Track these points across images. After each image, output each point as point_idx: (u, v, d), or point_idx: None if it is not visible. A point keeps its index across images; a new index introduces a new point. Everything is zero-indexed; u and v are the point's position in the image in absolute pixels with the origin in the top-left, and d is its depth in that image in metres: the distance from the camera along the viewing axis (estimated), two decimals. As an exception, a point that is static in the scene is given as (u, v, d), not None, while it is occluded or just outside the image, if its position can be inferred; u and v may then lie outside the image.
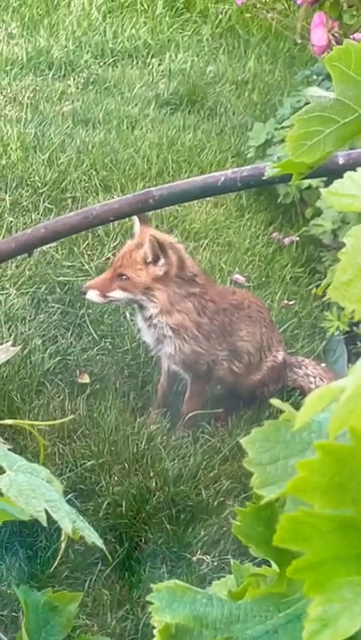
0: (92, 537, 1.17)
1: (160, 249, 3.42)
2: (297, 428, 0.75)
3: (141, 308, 3.56)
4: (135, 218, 3.54)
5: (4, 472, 1.14)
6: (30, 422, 1.36)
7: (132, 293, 3.50)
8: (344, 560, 0.70)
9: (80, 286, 3.64)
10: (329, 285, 0.88)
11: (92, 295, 3.54)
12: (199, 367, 3.65)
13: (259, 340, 3.78)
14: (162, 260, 3.45)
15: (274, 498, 0.81)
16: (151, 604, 0.87)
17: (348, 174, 0.90)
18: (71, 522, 1.14)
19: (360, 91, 1.09)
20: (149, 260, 3.45)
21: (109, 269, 3.56)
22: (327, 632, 0.68)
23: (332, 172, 1.54)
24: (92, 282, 3.59)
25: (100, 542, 1.16)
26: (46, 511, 1.12)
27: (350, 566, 0.70)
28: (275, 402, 0.87)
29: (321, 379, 3.87)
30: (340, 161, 1.65)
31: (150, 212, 4.06)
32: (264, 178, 1.67)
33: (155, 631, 0.88)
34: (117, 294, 3.51)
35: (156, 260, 3.45)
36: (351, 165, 1.59)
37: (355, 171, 0.93)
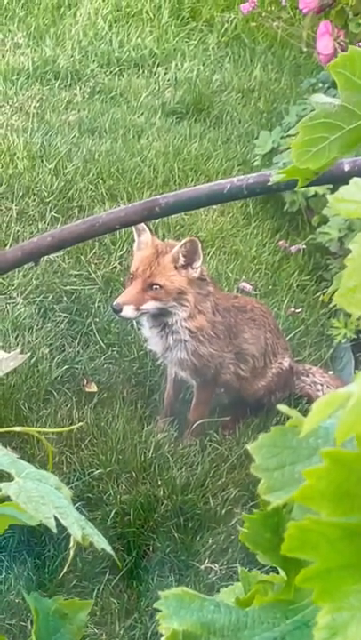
0: (102, 543, 1.17)
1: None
2: (304, 434, 0.75)
3: (164, 316, 3.52)
4: (145, 227, 3.52)
5: (13, 479, 1.14)
6: (38, 429, 1.36)
7: (163, 302, 3.47)
8: (352, 568, 0.70)
9: (113, 304, 3.51)
10: (335, 292, 0.88)
11: (128, 311, 3.44)
12: (207, 371, 3.65)
13: (263, 344, 3.78)
14: (199, 261, 3.45)
15: (281, 504, 0.81)
16: (159, 611, 0.87)
17: (353, 180, 0.90)
18: (80, 528, 1.13)
19: (365, 97, 1.09)
20: (180, 263, 3.44)
21: (136, 281, 3.46)
22: (336, 640, 0.68)
23: (337, 179, 1.54)
24: (125, 297, 3.46)
25: (109, 548, 1.16)
26: (55, 518, 1.12)
27: (359, 574, 0.70)
28: (282, 408, 0.87)
29: (328, 386, 3.87)
30: (346, 167, 1.65)
31: (157, 221, 4.07)
32: (269, 184, 1.67)
33: (162, 639, 0.88)
34: (150, 305, 3.46)
35: (189, 263, 3.45)
36: (357, 172, 1.59)
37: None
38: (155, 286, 3.43)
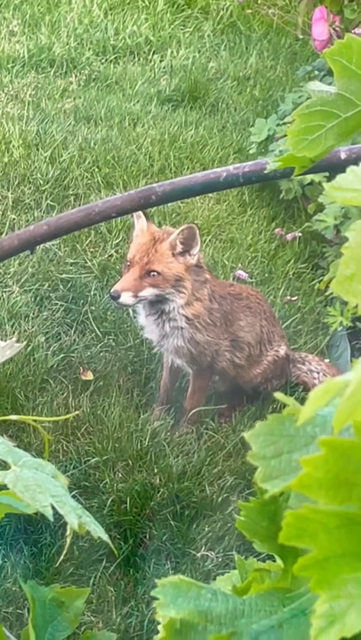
0: (98, 531, 1.17)
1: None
2: (301, 423, 0.75)
3: (160, 303, 3.52)
4: (142, 215, 3.52)
5: (10, 468, 1.14)
6: (34, 418, 1.36)
7: (161, 289, 3.46)
8: (350, 556, 0.70)
9: (110, 291, 3.51)
10: (332, 280, 0.87)
11: (126, 297, 3.43)
12: (204, 359, 3.64)
13: (259, 331, 3.78)
14: (196, 249, 3.44)
15: (278, 492, 0.81)
16: (156, 599, 0.87)
17: (350, 168, 0.90)
18: (77, 516, 1.13)
19: (362, 85, 1.09)
20: (178, 250, 3.44)
21: (134, 268, 3.45)
22: (335, 628, 0.68)
23: (334, 167, 1.54)
24: (122, 284, 3.44)
25: (105, 537, 1.16)
26: (52, 506, 1.12)
27: (357, 562, 0.70)
28: (278, 396, 0.87)
29: (324, 374, 3.87)
30: (343, 156, 1.65)
31: (153, 209, 4.06)
32: (266, 172, 1.67)
33: (159, 626, 0.88)
34: (147, 292, 3.46)
35: (186, 250, 3.44)
36: (354, 160, 1.59)
37: (357, 165, 0.93)
38: (152, 273, 3.43)
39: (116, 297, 3.43)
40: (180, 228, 3.43)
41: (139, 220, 3.53)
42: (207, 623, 0.86)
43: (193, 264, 3.47)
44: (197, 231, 3.42)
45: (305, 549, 0.72)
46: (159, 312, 3.55)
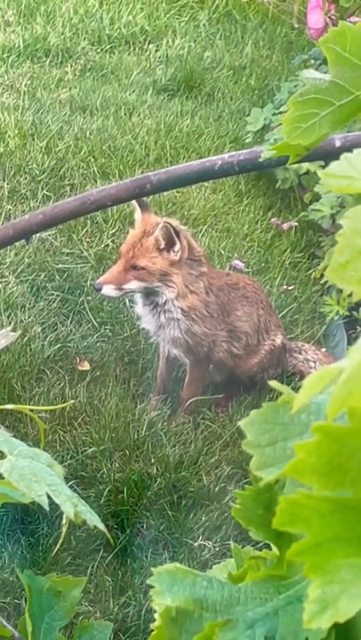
0: (94, 520, 1.17)
1: (175, 234, 3.41)
2: (296, 410, 0.75)
3: (153, 295, 3.52)
4: (136, 205, 3.52)
5: (5, 457, 1.14)
6: (30, 407, 1.36)
7: (148, 282, 3.47)
8: (343, 542, 0.70)
9: (93, 283, 3.58)
10: (327, 268, 0.88)
11: (108, 290, 3.48)
12: (201, 349, 3.64)
13: (256, 321, 3.78)
14: (178, 245, 3.43)
15: (272, 480, 0.81)
16: (152, 587, 0.88)
17: (344, 156, 0.90)
18: (73, 506, 1.14)
19: (356, 72, 1.08)
20: (162, 246, 3.44)
21: (120, 261, 3.48)
22: (327, 613, 0.68)
23: (329, 155, 1.54)
24: (106, 277, 3.50)
25: (101, 526, 1.16)
26: (48, 495, 1.12)
27: (349, 548, 0.70)
28: (273, 384, 0.87)
29: (321, 363, 3.87)
30: (337, 143, 1.65)
31: (149, 199, 4.06)
32: (260, 160, 1.67)
33: (155, 615, 0.88)
34: (133, 285, 3.47)
35: (169, 247, 3.44)
36: (348, 148, 1.59)
37: (352, 152, 0.92)
38: (137, 267, 3.44)
39: (98, 289, 3.51)
40: (160, 226, 3.42)
41: (136, 211, 3.54)
42: (203, 611, 0.86)
43: (175, 260, 3.46)
44: (172, 230, 3.41)
45: (300, 537, 0.72)
46: (154, 303, 3.55)
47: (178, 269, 3.48)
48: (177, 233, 3.41)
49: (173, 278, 3.48)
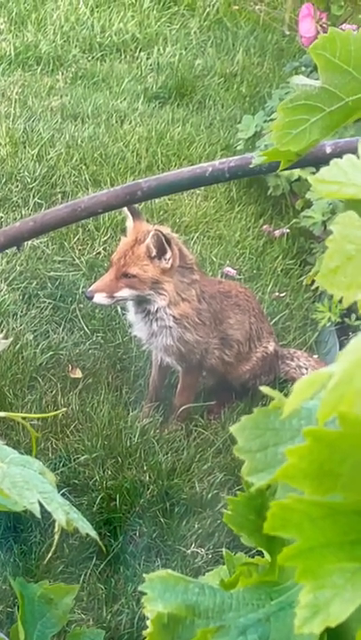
0: (86, 528, 1.17)
1: (166, 242, 3.41)
2: (286, 415, 0.75)
3: (145, 303, 3.52)
4: (128, 213, 3.53)
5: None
6: (22, 415, 1.36)
7: (139, 290, 3.47)
8: (335, 546, 0.70)
9: (85, 292, 3.59)
10: (317, 274, 0.88)
11: (100, 298, 3.48)
12: (193, 357, 3.64)
13: (248, 328, 3.79)
14: (169, 254, 3.43)
15: (264, 485, 0.81)
16: (144, 594, 0.87)
17: (334, 161, 0.90)
18: (65, 513, 1.13)
19: (346, 79, 1.08)
20: (154, 254, 3.43)
21: (111, 269, 3.49)
22: (319, 618, 0.68)
23: (320, 161, 1.54)
24: (97, 285, 3.50)
25: (93, 533, 1.16)
26: (40, 503, 1.12)
27: (341, 552, 0.70)
28: (264, 389, 0.87)
29: (313, 370, 3.86)
30: (328, 150, 1.65)
31: (141, 206, 4.06)
32: (251, 167, 1.67)
33: (148, 621, 0.88)
34: (125, 293, 3.47)
35: (160, 255, 3.43)
36: (339, 154, 1.59)
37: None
38: (129, 275, 3.44)
39: (89, 297, 3.51)
40: (151, 234, 3.42)
41: (128, 219, 3.54)
42: (195, 617, 0.86)
43: (166, 268, 3.46)
44: (163, 238, 3.41)
45: (291, 543, 0.72)
46: (146, 311, 3.55)
47: (169, 277, 3.48)
48: (168, 241, 3.41)
49: (165, 286, 3.48)
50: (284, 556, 0.70)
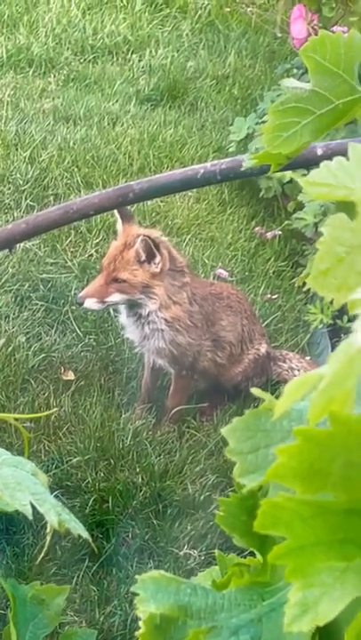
0: (79, 529, 1.17)
1: (154, 247, 3.40)
2: (277, 417, 0.75)
3: (136, 306, 3.52)
4: (118, 216, 3.53)
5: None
6: (15, 415, 1.36)
7: (130, 294, 3.47)
8: (324, 545, 0.71)
9: (75, 298, 3.59)
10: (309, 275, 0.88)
11: (90, 304, 3.47)
12: (185, 359, 3.64)
13: (240, 331, 3.79)
14: (158, 258, 3.43)
15: (255, 486, 0.81)
16: (137, 595, 0.88)
17: (324, 163, 0.91)
18: (57, 514, 1.14)
19: (336, 81, 1.09)
20: (143, 259, 3.43)
21: (101, 274, 3.48)
22: (308, 617, 0.68)
23: (311, 164, 1.55)
24: (87, 290, 3.49)
25: (86, 534, 1.17)
26: (32, 504, 1.12)
27: (330, 551, 0.70)
28: (255, 391, 0.88)
29: (305, 372, 3.86)
30: (319, 152, 1.65)
31: (133, 208, 4.06)
32: (242, 169, 1.67)
33: (140, 622, 0.89)
34: (115, 298, 3.47)
35: (150, 259, 3.43)
36: (330, 156, 1.60)
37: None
38: (118, 280, 3.43)
39: (80, 303, 3.51)
40: (139, 239, 3.41)
41: (118, 222, 3.54)
42: (187, 618, 0.86)
43: (156, 272, 3.46)
44: (151, 243, 3.40)
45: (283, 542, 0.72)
46: (137, 315, 3.55)
47: (160, 281, 3.48)
48: (157, 245, 3.41)
49: (155, 290, 3.48)
50: (274, 555, 0.70)
